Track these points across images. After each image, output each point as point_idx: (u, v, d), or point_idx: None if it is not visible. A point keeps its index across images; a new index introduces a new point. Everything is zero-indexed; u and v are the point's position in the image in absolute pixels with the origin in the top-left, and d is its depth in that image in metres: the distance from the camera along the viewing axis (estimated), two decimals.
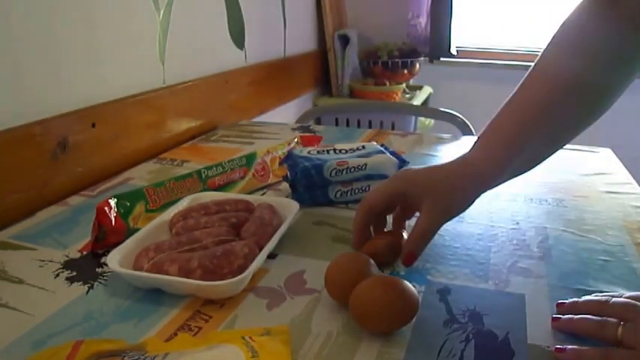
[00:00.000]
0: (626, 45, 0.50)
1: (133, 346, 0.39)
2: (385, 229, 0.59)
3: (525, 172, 0.57)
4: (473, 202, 0.53)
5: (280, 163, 0.78)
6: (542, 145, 0.54)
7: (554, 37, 0.54)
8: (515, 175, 0.56)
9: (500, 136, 0.54)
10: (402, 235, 0.57)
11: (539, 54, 0.55)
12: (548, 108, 0.52)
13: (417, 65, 2.08)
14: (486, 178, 0.54)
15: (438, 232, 0.63)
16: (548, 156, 0.56)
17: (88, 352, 0.38)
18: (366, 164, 0.71)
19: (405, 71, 2.04)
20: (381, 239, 0.55)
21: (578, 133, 0.55)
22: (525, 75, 0.55)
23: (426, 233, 0.52)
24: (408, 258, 0.52)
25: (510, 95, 0.55)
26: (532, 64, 0.55)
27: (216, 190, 0.71)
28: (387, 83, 1.95)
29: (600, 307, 0.44)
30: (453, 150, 1.01)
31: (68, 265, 0.56)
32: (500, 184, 0.55)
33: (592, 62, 0.51)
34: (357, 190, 0.72)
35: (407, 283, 0.44)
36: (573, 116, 0.53)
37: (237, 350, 0.38)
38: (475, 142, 0.56)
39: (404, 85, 2.01)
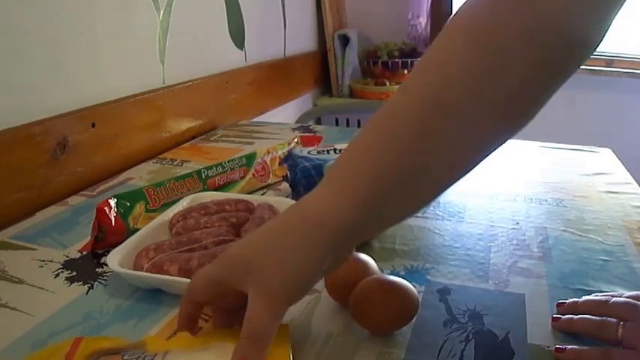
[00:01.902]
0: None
1: (132, 345, 0.39)
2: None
3: (408, 214, 0.39)
4: (328, 263, 0.35)
5: (280, 163, 0.78)
6: (428, 166, 0.35)
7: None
8: (394, 220, 0.39)
9: (363, 159, 0.36)
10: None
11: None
12: (424, 126, 0.34)
13: None
14: (341, 224, 0.35)
15: (438, 232, 0.64)
16: (438, 189, 0.38)
17: (88, 351, 0.38)
18: None
19: (405, 71, 2.04)
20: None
21: (475, 159, 0.37)
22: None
23: (258, 334, 0.34)
24: None
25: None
26: None
27: (216, 190, 0.71)
28: (387, 83, 1.95)
29: (600, 307, 0.44)
30: None
31: (68, 265, 0.56)
32: (369, 231, 0.38)
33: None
34: None
35: (407, 283, 0.44)
36: (463, 138, 0.35)
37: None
38: (324, 176, 0.38)
39: None
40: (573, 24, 0.33)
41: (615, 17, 0.35)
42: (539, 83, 0.35)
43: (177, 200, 0.65)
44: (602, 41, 0.36)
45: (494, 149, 0.37)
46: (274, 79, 1.55)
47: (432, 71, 0.36)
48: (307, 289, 0.36)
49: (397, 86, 1.93)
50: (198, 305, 0.40)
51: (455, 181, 0.37)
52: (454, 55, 0.35)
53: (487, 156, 0.37)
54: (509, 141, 0.37)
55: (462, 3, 0.37)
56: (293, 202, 0.64)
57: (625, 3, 0.34)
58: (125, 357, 0.36)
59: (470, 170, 0.37)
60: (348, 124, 1.79)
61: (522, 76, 0.34)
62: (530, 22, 0.33)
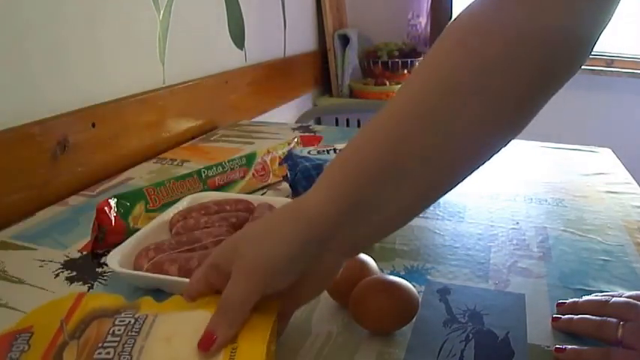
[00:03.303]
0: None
1: (128, 305, 0.40)
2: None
3: (394, 227, 0.39)
4: (302, 254, 0.36)
5: (280, 163, 0.78)
6: (415, 168, 0.36)
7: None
8: (380, 231, 0.40)
9: (348, 169, 0.37)
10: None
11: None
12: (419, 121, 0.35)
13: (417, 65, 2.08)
14: (316, 224, 0.36)
15: (438, 232, 0.64)
16: (428, 202, 0.39)
17: (88, 308, 0.39)
18: None
19: (405, 71, 2.04)
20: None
21: (462, 174, 0.37)
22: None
23: (231, 307, 0.36)
24: (205, 341, 0.35)
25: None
26: None
27: (216, 190, 0.71)
28: (387, 83, 1.95)
29: (600, 307, 0.44)
30: None
31: (68, 265, 0.56)
32: (352, 231, 0.37)
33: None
34: None
35: (407, 282, 0.44)
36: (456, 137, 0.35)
37: None
38: (319, 178, 0.39)
39: None
40: (572, 20, 0.33)
41: (613, 13, 0.34)
42: (534, 86, 0.35)
43: (177, 200, 0.65)
44: (599, 39, 0.35)
45: (483, 156, 0.36)
46: (274, 79, 1.55)
47: (421, 76, 0.36)
48: (286, 272, 0.37)
49: (397, 86, 1.94)
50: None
51: (437, 189, 0.37)
52: (445, 60, 0.35)
53: (473, 165, 0.37)
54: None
55: (465, 6, 0.37)
56: None
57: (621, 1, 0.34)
58: (118, 319, 0.37)
59: (454, 178, 0.37)
60: (348, 124, 1.79)
61: (518, 80, 0.34)
62: (527, 22, 0.33)
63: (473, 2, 0.36)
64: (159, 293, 0.50)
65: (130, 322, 0.38)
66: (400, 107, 0.36)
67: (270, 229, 0.37)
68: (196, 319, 0.38)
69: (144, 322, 0.37)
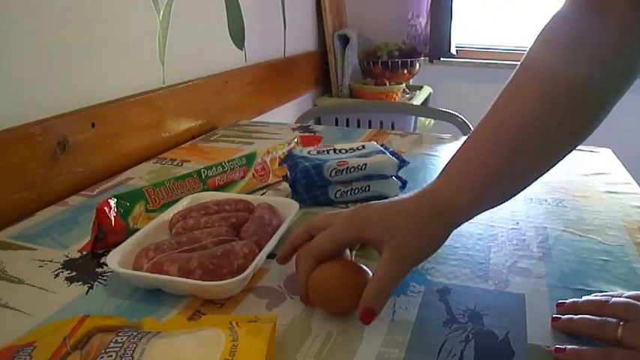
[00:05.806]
0: (616, 43, 0.45)
1: (130, 324, 0.42)
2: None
3: (506, 200, 0.49)
4: (444, 241, 0.46)
5: (280, 163, 0.78)
6: (528, 168, 0.47)
7: (539, 36, 0.48)
8: (494, 206, 0.49)
9: (476, 162, 0.47)
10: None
11: (525, 55, 0.48)
12: (535, 122, 0.45)
13: (417, 65, 2.08)
14: (459, 214, 0.47)
15: None
16: (536, 179, 0.49)
17: (91, 326, 0.40)
18: (366, 164, 0.70)
19: (405, 71, 2.04)
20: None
21: (570, 150, 0.49)
22: (510, 79, 0.48)
23: (387, 286, 0.43)
24: (366, 315, 0.42)
25: (491, 107, 0.48)
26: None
27: (216, 190, 0.71)
28: (387, 83, 1.95)
29: (600, 307, 0.44)
30: (453, 150, 1.01)
31: (68, 265, 0.56)
32: (473, 216, 0.48)
33: (584, 63, 0.45)
34: (357, 190, 0.72)
35: (363, 266, 0.46)
36: (565, 129, 0.47)
37: (219, 334, 0.38)
38: (443, 170, 0.49)
39: (404, 85, 2.01)
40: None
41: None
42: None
43: (177, 200, 0.65)
44: None
45: (564, 155, 0.49)
46: (274, 79, 1.55)
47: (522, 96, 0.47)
48: (425, 259, 0.47)
49: (397, 86, 1.94)
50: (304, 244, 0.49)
51: (537, 178, 0.49)
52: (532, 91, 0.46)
53: (558, 161, 0.49)
54: None
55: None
56: (293, 202, 0.64)
57: None
58: (120, 334, 0.38)
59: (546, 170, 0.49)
60: (347, 124, 1.79)
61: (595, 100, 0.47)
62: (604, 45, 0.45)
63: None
64: (159, 294, 0.50)
65: (132, 333, 0.38)
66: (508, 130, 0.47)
67: (420, 227, 0.45)
68: (200, 334, 0.38)
69: (147, 333, 0.38)
